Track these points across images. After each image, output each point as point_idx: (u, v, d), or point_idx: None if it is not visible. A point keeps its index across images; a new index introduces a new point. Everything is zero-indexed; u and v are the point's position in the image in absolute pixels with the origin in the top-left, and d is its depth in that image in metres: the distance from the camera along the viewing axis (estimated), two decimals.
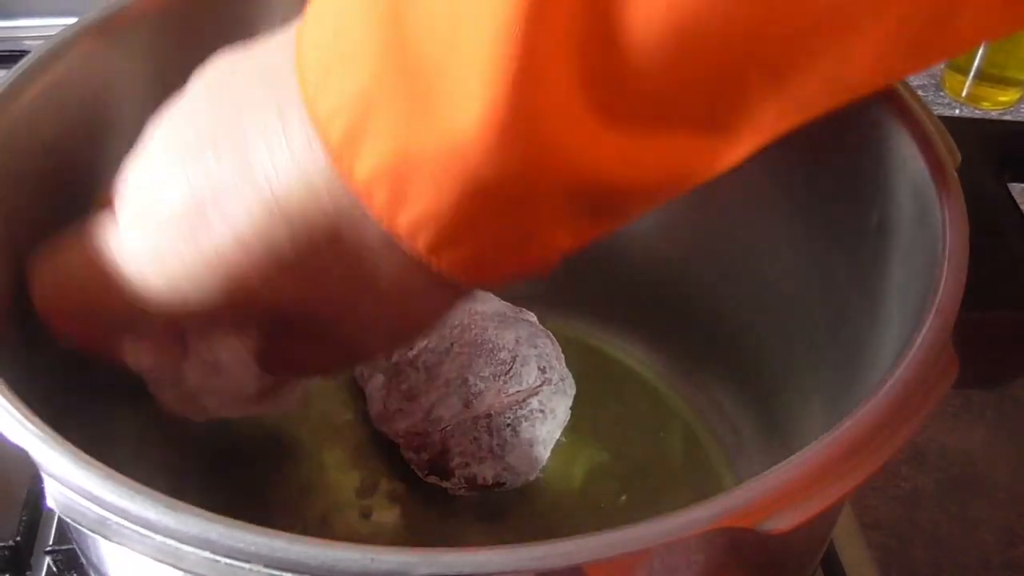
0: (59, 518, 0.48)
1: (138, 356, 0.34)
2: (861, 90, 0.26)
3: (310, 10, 0.26)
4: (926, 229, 0.34)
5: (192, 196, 0.28)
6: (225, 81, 0.30)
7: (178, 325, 0.33)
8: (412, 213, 0.26)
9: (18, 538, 0.47)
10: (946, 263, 0.31)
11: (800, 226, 0.44)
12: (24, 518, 0.48)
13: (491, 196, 0.25)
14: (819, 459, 0.26)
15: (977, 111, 0.75)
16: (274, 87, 0.27)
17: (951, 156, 0.35)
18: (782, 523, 0.25)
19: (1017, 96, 0.76)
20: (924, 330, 0.29)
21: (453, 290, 0.31)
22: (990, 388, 0.52)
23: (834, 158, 0.41)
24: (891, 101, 0.37)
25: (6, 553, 0.46)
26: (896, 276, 0.36)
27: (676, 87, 0.24)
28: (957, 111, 0.75)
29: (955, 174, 0.34)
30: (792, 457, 0.26)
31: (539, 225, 0.27)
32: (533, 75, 0.23)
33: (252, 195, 0.27)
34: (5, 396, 0.27)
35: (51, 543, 0.47)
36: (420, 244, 0.26)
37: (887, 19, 0.23)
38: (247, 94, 0.28)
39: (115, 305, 0.31)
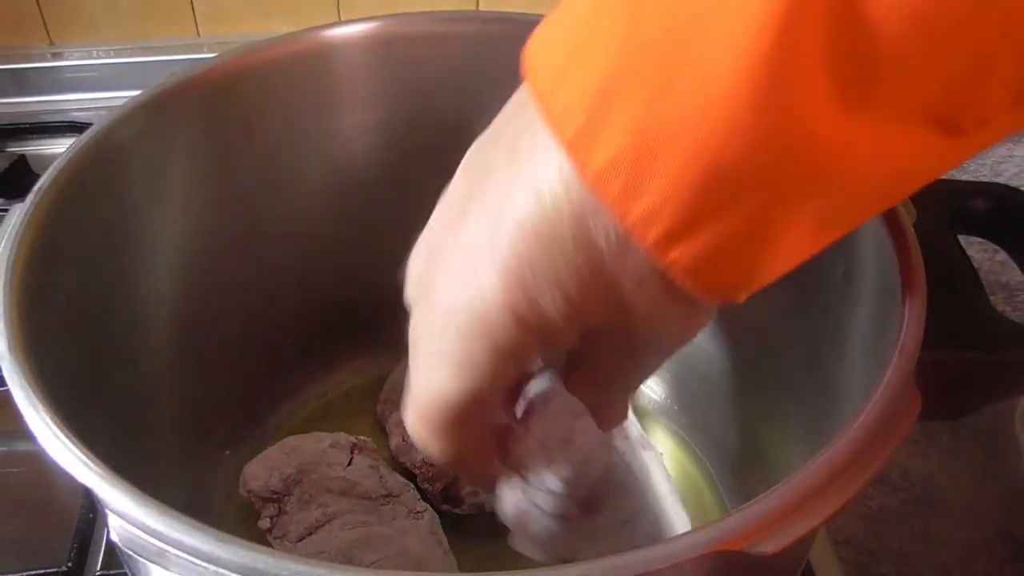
0: (106, 546, 0.48)
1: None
2: None
3: (537, 31, 0.25)
4: (887, 278, 0.34)
5: (463, 258, 0.27)
6: (474, 156, 0.29)
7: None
8: (646, 202, 0.23)
9: (70, 563, 0.47)
10: (907, 309, 0.32)
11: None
12: (75, 545, 0.48)
13: (728, 180, 0.23)
14: (802, 488, 0.26)
15: None
16: (513, 133, 0.26)
17: (908, 213, 0.36)
18: (771, 546, 0.26)
19: None
20: (890, 370, 0.30)
21: (687, 304, 0.26)
22: (946, 420, 0.52)
23: None
24: None
25: None
26: (861, 320, 0.37)
27: (919, 78, 0.22)
28: None
29: (912, 229, 0.35)
30: (777, 486, 0.27)
31: (772, 219, 0.24)
32: (785, 57, 0.21)
33: (503, 225, 0.26)
34: (73, 442, 0.28)
35: (99, 568, 0.47)
36: (651, 237, 0.24)
37: None
38: (492, 156, 0.27)
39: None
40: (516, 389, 0.34)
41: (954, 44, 0.21)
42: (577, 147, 0.24)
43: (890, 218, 0.35)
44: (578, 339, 0.28)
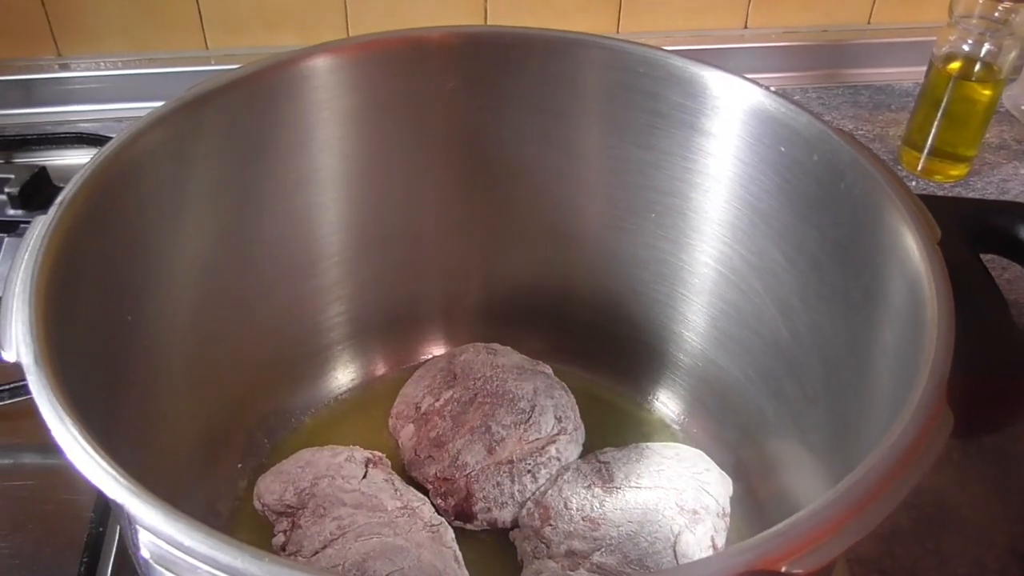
0: (115, 559, 0.48)
1: None
2: None
3: None
4: (913, 298, 0.34)
5: None
6: None
7: None
8: None
9: None
10: (936, 328, 0.32)
11: (794, 292, 0.45)
12: (85, 559, 0.47)
13: None
14: (839, 507, 0.26)
15: (932, 183, 0.77)
16: None
17: (932, 232, 0.36)
18: (806, 565, 0.25)
19: (966, 171, 0.77)
20: (921, 389, 0.30)
21: None
22: (967, 437, 0.52)
23: (828, 230, 0.42)
24: (879, 183, 0.38)
25: None
26: (885, 340, 0.37)
27: None
28: (913, 183, 0.77)
29: (938, 248, 0.35)
30: (813, 506, 0.26)
31: None
32: None
33: None
34: (103, 456, 0.27)
35: None
36: None
37: None
38: None
39: None
40: None
41: None
42: None
43: (917, 237, 0.35)
44: None
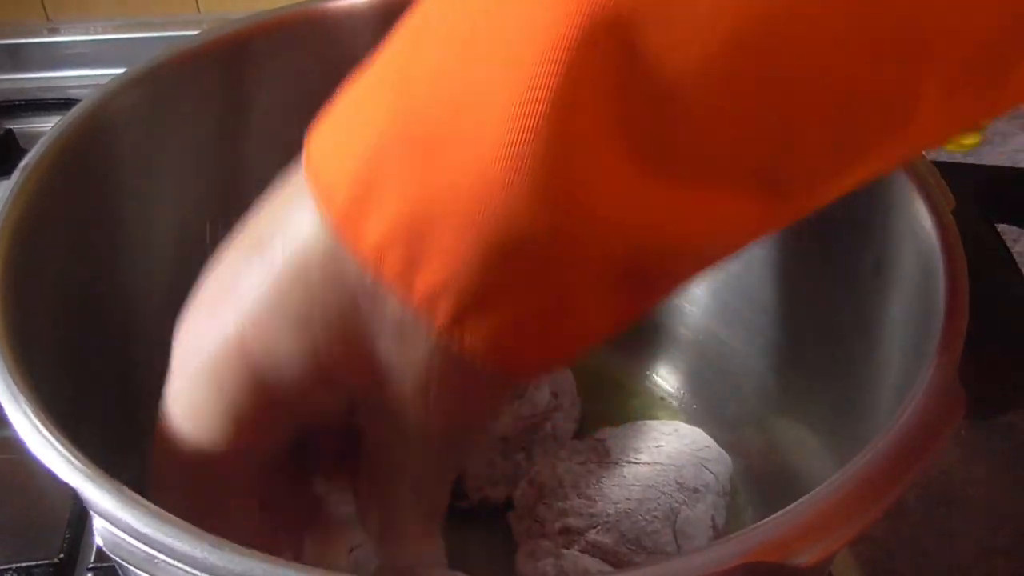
0: None
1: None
2: (927, 142, 0.23)
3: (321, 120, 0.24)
4: (925, 270, 0.32)
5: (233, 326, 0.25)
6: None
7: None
8: (430, 277, 0.21)
9: (62, 555, 0.45)
10: (949, 303, 0.30)
11: (799, 263, 0.43)
12: (68, 536, 0.46)
13: (518, 255, 0.21)
14: (843, 495, 0.24)
15: (942, 153, 0.75)
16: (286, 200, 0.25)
17: (946, 200, 0.34)
18: (810, 557, 0.24)
19: (978, 139, 0.75)
20: (932, 367, 0.28)
21: (485, 383, 0.24)
22: (978, 418, 0.51)
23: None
24: None
25: (51, 570, 0.45)
26: (895, 314, 0.35)
27: (723, 136, 0.20)
28: (924, 152, 0.74)
29: (951, 217, 0.33)
30: (816, 492, 0.25)
31: (573, 296, 0.22)
32: (563, 121, 0.19)
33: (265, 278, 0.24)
34: (56, 436, 0.25)
35: (93, 560, 0.45)
36: (440, 315, 0.22)
37: (961, 46, 0.19)
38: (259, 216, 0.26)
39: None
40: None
41: (757, 109, 0.20)
42: (347, 221, 0.22)
43: (929, 205, 0.33)
44: (346, 415, 0.26)
